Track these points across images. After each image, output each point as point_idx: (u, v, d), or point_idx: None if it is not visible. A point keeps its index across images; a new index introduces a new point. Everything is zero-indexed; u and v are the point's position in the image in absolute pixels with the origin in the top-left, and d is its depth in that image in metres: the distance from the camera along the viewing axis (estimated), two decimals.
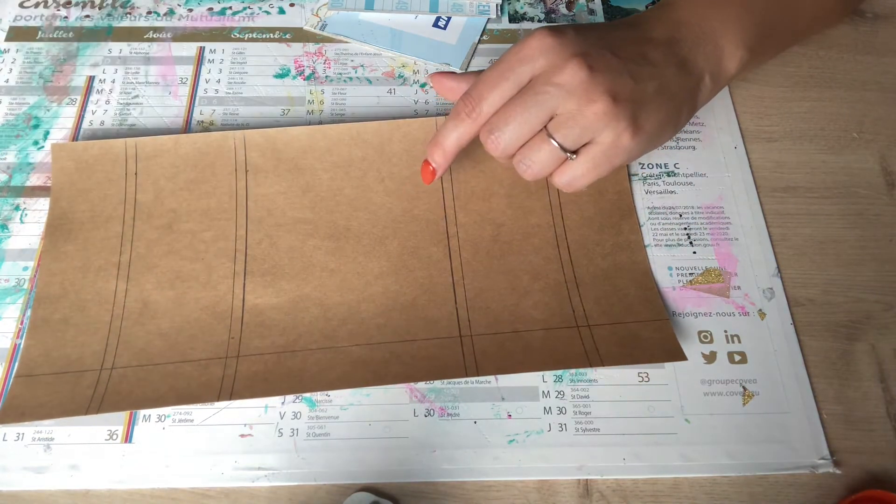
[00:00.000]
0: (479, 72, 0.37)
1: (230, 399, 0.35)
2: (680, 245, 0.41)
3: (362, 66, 0.47)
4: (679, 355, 0.37)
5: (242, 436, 0.35)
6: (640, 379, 0.37)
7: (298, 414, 0.36)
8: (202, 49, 0.48)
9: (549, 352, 0.37)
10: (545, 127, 0.34)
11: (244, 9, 0.50)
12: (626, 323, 0.38)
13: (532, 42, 0.35)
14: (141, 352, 0.37)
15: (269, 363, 0.36)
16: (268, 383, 0.35)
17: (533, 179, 0.36)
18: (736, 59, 0.38)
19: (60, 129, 0.44)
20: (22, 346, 0.37)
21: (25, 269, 0.39)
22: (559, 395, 0.37)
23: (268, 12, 0.50)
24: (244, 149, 0.42)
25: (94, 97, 0.45)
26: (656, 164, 0.44)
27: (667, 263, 0.40)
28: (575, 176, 0.35)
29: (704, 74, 0.37)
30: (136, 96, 0.46)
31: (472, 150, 0.42)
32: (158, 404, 0.35)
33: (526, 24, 0.50)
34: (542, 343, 0.37)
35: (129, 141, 0.42)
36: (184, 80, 0.46)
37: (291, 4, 0.50)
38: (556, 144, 0.34)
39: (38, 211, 0.41)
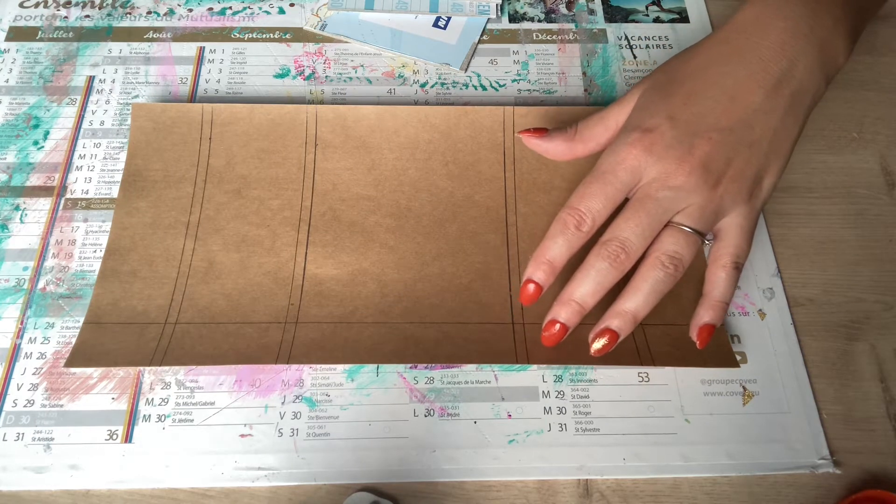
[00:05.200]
0: (558, 130, 0.38)
1: (288, 363, 0.36)
2: None
3: (362, 66, 0.47)
4: (731, 362, 0.37)
5: (242, 436, 0.35)
6: (640, 379, 0.37)
7: (298, 414, 0.36)
8: (202, 49, 0.48)
9: None
10: (671, 221, 0.34)
11: (244, 9, 0.50)
12: (679, 325, 0.37)
13: (631, 147, 0.34)
14: (204, 310, 0.38)
15: (326, 332, 0.37)
16: (324, 351, 0.36)
17: (680, 273, 0.34)
18: (843, 53, 0.37)
19: (60, 129, 0.44)
20: (92, 294, 0.38)
21: (25, 269, 0.39)
22: (559, 395, 0.37)
23: (268, 12, 0.50)
24: (315, 123, 0.43)
25: (94, 97, 0.45)
26: None
27: None
28: (739, 251, 0.35)
29: (812, 88, 0.36)
30: (137, 96, 0.46)
31: None
32: (219, 362, 0.36)
33: (526, 24, 0.50)
34: None
35: (205, 106, 0.43)
36: (184, 81, 0.46)
37: (291, 4, 0.50)
38: (690, 230, 0.34)
39: (37, 211, 0.41)
